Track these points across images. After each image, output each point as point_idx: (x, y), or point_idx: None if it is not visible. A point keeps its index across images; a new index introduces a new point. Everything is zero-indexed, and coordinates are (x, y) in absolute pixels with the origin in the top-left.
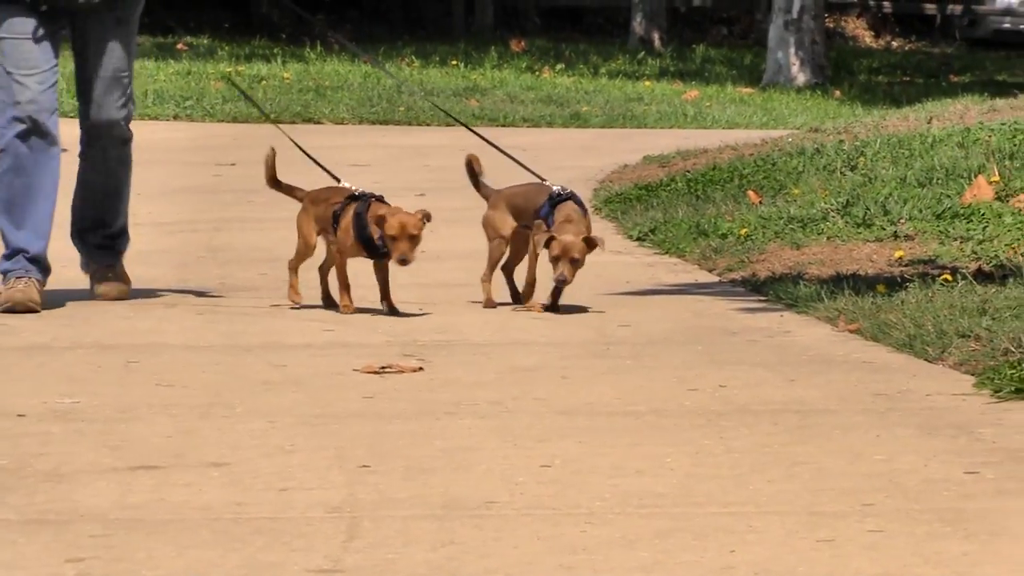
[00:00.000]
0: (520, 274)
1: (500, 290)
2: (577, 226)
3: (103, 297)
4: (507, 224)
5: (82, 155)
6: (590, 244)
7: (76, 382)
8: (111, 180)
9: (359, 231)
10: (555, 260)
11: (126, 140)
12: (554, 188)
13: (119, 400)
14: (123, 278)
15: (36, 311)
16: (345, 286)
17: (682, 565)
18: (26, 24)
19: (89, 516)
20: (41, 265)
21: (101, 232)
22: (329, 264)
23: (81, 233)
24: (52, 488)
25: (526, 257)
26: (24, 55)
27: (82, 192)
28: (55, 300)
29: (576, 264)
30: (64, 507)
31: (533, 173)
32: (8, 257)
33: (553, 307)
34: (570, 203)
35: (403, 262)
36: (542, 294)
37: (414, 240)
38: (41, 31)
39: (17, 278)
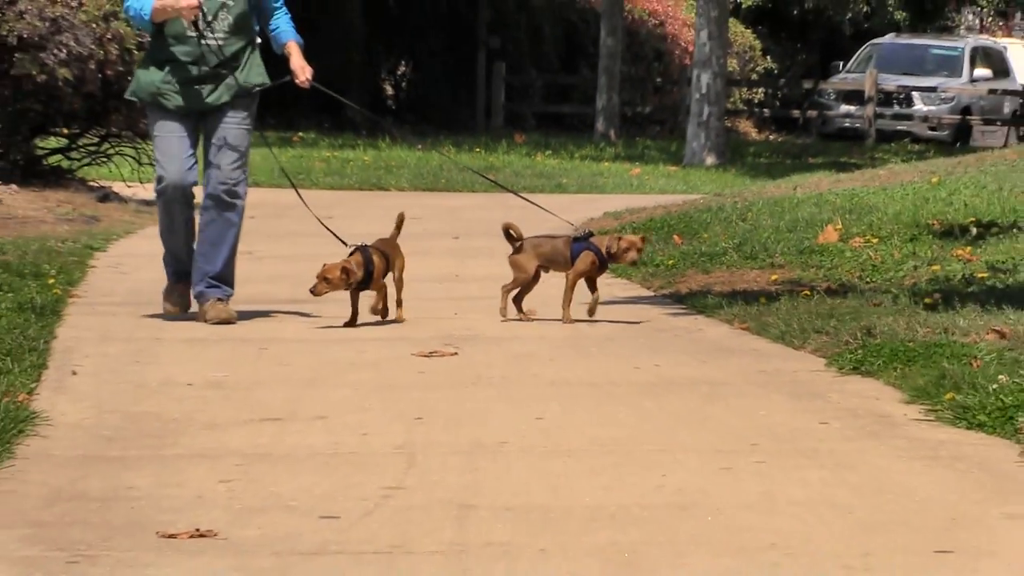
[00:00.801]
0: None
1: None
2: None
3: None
4: (531, 264)
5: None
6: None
7: (225, 363)
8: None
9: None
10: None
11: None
12: (575, 234)
13: (253, 375)
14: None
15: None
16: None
17: (630, 485)
18: (175, 123)
19: (234, 452)
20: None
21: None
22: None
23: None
24: (208, 433)
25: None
26: (172, 146)
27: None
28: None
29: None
30: (217, 446)
31: (554, 215)
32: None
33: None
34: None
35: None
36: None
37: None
38: (185, 128)
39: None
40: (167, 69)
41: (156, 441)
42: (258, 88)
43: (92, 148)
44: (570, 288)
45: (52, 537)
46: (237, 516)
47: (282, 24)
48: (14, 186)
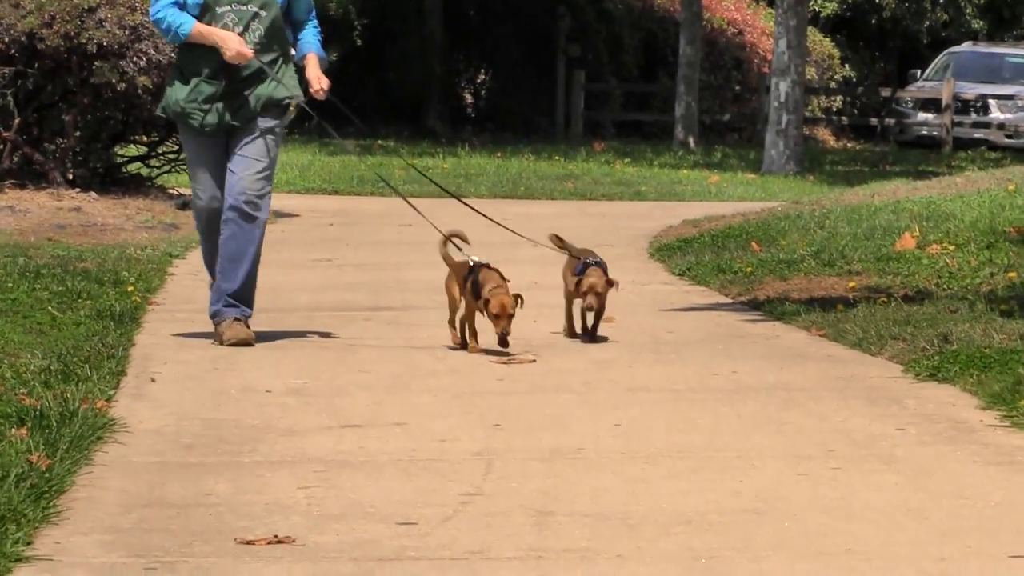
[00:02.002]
0: None
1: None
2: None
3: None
4: (569, 282)
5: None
6: (609, 283)
7: (304, 370)
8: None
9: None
10: (583, 294)
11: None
12: (587, 259)
13: (333, 381)
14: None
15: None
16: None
17: (707, 491)
18: (204, 142)
19: (313, 459)
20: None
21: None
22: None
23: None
24: (287, 440)
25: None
26: (203, 166)
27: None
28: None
29: (599, 297)
30: (296, 453)
31: (522, 235)
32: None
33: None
34: (596, 268)
35: None
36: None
37: None
38: (214, 146)
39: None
40: (193, 84)
41: (235, 448)
42: (288, 101)
43: (171, 156)
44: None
45: (131, 543)
46: (316, 522)
47: (308, 36)
48: (93, 193)
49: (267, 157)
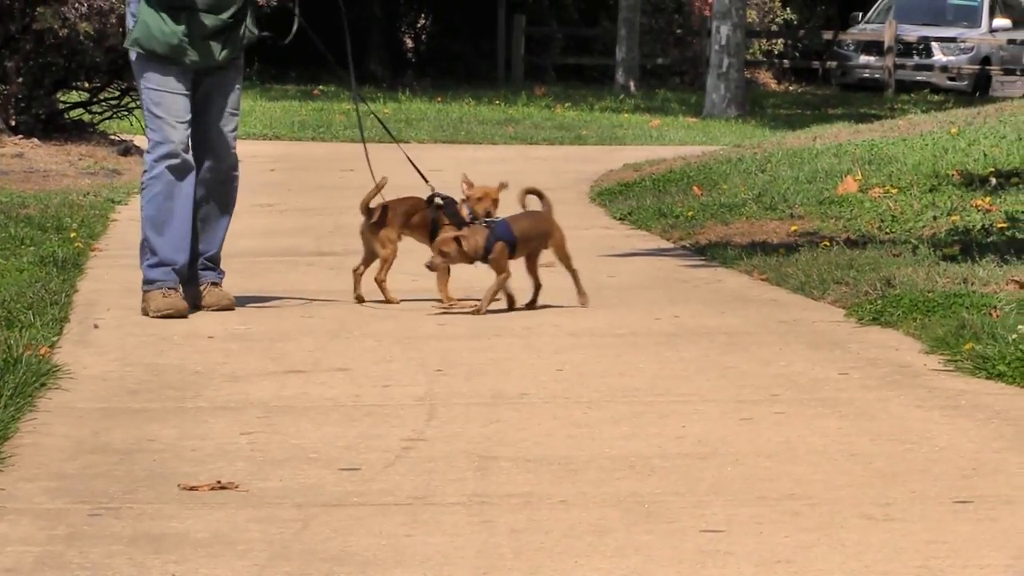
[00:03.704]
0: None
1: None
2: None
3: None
4: None
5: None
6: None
7: (247, 315)
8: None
9: None
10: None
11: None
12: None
13: (277, 327)
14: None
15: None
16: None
17: (650, 435)
18: (180, 82)
19: (256, 404)
20: (183, 275)
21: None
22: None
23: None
24: (231, 385)
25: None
26: (177, 106)
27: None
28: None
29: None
30: (239, 398)
31: (424, 178)
32: (153, 266)
33: None
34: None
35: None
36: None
37: None
38: (187, 88)
39: (169, 288)
40: (183, 18)
41: (179, 393)
42: (257, 39)
43: (114, 102)
44: None
45: (75, 489)
46: (259, 468)
47: None
48: (36, 140)
49: (239, 108)
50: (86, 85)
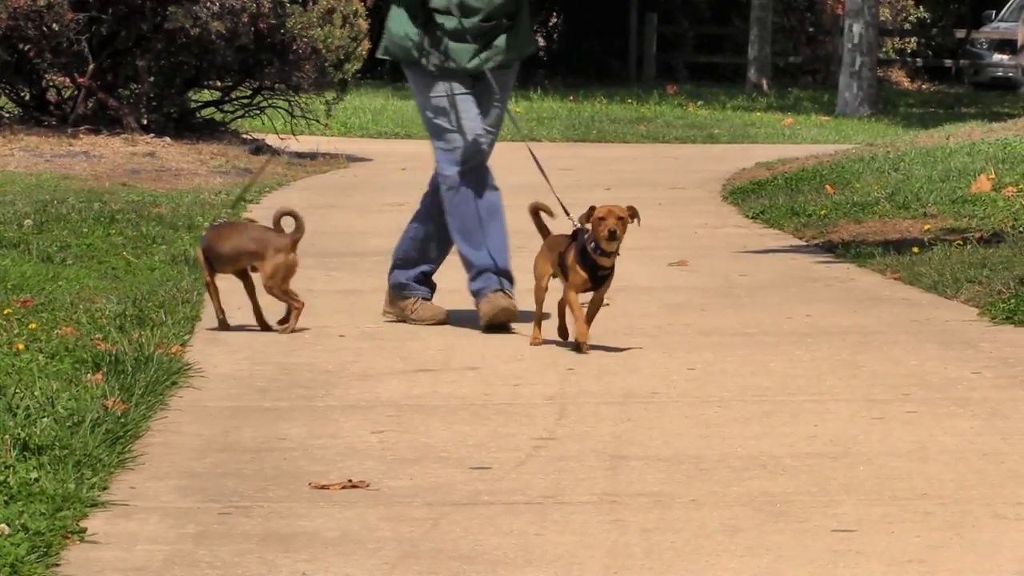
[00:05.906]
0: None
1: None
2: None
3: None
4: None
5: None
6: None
7: (378, 313)
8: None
9: None
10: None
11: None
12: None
13: (407, 326)
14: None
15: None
16: None
17: (781, 435)
18: (465, 86)
19: (387, 403)
20: (509, 277)
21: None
22: None
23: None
24: (361, 384)
25: None
26: (471, 112)
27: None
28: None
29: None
30: (370, 397)
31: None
32: (474, 277)
33: None
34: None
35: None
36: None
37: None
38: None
39: (494, 291)
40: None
41: (309, 392)
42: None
43: (245, 101)
44: None
45: (205, 488)
46: (389, 467)
47: None
48: (167, 139)
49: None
50: (218, 84)
